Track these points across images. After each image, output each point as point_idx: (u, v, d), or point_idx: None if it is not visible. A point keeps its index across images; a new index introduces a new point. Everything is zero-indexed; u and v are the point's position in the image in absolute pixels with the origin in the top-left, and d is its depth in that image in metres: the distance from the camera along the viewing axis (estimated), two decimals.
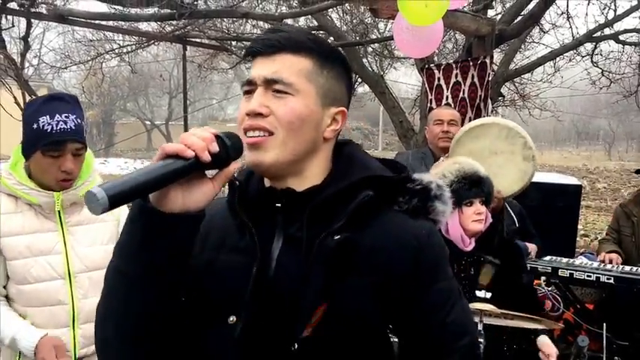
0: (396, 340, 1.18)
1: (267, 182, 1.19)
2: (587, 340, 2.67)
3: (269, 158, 1.10)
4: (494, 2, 6.86)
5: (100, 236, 2.25)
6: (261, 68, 1.12)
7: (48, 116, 2.03)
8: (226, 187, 1.18)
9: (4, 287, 2.19)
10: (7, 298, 2.21)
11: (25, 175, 2.14)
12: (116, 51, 8.37)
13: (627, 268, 3.98)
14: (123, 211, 2.37)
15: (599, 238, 5.00)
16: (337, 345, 1.10)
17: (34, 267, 2.12)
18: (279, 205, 1.15)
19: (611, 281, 3.88)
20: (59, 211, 2.16)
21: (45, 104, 2.09)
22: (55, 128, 2.02)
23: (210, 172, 1.06)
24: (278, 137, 1.10)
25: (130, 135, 22.18)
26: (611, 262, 4.16)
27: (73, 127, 2.05)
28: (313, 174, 1.17)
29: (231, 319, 1.11)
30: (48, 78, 18.50)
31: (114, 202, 0.90)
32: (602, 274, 3.89)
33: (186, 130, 8.09)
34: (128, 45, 8.36)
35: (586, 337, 2.72)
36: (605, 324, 3.73)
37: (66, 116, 2.04)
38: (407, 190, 1.18)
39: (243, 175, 1.20)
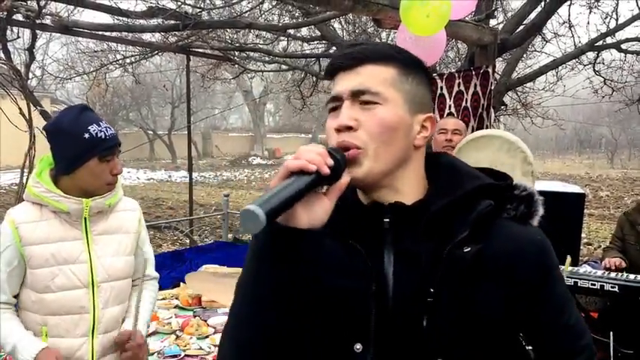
0: (530, 348, 1.15)
1: (365, 198, 1.16)
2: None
3: (362, 171, 1.08)
4: (496, 12, 6.89)
5: (122, 247, 2.29)
6: (346, 82, 1.11)
7: (95, 125, 2.12)
8: None
9: (16, 296, 2.20)
10: (18, 306, 2.22)
11: (51, 183, 2.17)
12: (120, 61, 8.43)
13: (632, 276, 3.98)
14: (143, 227, 2.42)
15: (603, 247, 4.99)
16: (477, 358, 1.08)
17: (58, 276, 2.13)
18: (387, 220, 1.12)
19: (616, 289, 3.88)
20: (85, 219, 2.19)
21: (82, 115, 2.15)
22: (107, 134, 2.13)
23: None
24: (369, 150, 1.08)
25: (133, 144, 22.27)
26: (615, 265, 4.16)
27: (115, 134, 2.19)
28: (410, 185, 1.14)
29: (357, 347, 1.07)
30: (51, 89, 18.61)
31: (270, 218, 0.91)
32: (606, 283, 3.90)
33: (189, 139, 8.12)
34: (132, 55, 8.43)
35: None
36: (612, 333, 3.72)
37: (106, 125, 2.18)
38: (514, 197, 1.16)
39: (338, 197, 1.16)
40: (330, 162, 1.01)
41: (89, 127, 2.10)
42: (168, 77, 24.69)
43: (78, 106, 2.24)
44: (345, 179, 1.04)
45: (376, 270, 1.09)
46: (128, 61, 8.60)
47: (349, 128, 1.08)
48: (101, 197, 2.20)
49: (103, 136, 2.12)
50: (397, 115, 1.10)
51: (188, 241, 8.71)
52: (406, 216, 1.11)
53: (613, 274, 4.06)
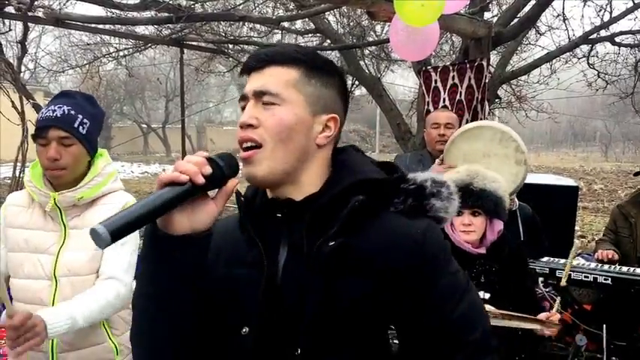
0: (396, 342, 1.19)
1: (269, 193, 1.22)
2: (585, 339, 2.68)
3: (261, 170, 1.14)
4: (490, 5, 6.88)
5: (89, 243, 2.19)
6: (252, 82, 1.17)
7: (45, 108, 2.10)
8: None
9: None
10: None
11: (38, 174, 2.18)
12: (113, 54, 8.38)
13: (625, 268, 3.99)
14: None
15: (597, 239, 5.01)
16: (338, 348, 1.13)
17: (25, 262, 2.12)
18: (279, 215, 1.19)
19: (609, 282, 3.89)
20: (61, 213, 2.16)
21: (51, 100, 2.15)
22: (41, 117, 2.06)
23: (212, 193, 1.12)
24: (267, 148, 1.14)
25: (126, 138, 22.16)
26: (607, 257, 4.17)
27: (59, 116, 2.05)
28: (310, 182, 1.19)
29: (244, 330, 1.16)
30: (44, 82, 18.52)
31: (115, 236, 0.96)
32: (599, 275, 3.91)
33: (183, 132, 8.10)
34: (125, 48, 8.38)
35: (584, 336, 2.74)
36: (605, 325, 3.74)
37: (58, 107, 2.06)
38: (401, 191, 1.19)
39: (251, 190, 1.25)
40: (207, 171, 1.05)
41: (42, 110, 2.10)
42: (162, 70, 24.61)
43: (61, 91, 2.23)
44: (231, 183, 1.11)
45: (270, 261, 1.16)
46: (121, 54, 8.54)
47: (250, 126, 1.14)
48: (70, 191, 2.13)
49: (39, 118, 2.07)
50: (296, 116, 1.15)
51: None
52: (296, 211, 1.17)
53: (606, 267, 4.07)
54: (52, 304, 2.11)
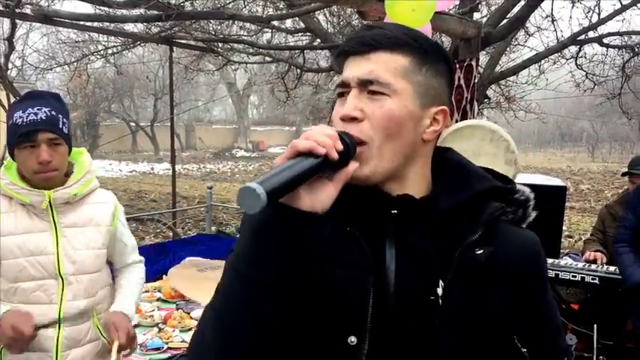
0: (525, 350, 1.12)
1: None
2: (575, 338, 2.71)
3: (366, 171, 1.03)
4: (480, 5, 6.91)
5: (92, 241, 2.25)
6: (355, 69, 1.05)
7: (21, 111, 2.05)
8: None
9: None
10: None
11: (17, 175, 2.15)
12: (101, 52, 8.33)
13: (612, 268, 4.03)
14: (119, 220, 2.38)
15: (584, 239, 5.04)
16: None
17: (26, 267, 2.11)
18: (395, 212, 1.07)
19: (596, 281, 3.93)
20: (52, 211, 2.16)
21: (21, 101, 2.12)
22: (25, 120, 2.03)
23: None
24: (373, 146, 1.03)
25: (114, 136, 22.04)
26: (595, 260, 4.21)
27: (44, 118, 2.04)
28: (414, 180, 1.10)
29: (352, 339, 1.01)
30: (31, 79, 18.39)
31: (271, 197, 0.86)
32: (587, 275, 3.95)
33: (172, 131, 8.06)
34: (114, 46, 8.33)
35: (574, 335, 2.76)
36: (595, 325, 3.77)
37: (38, 108, 2.05)
38: (514, 201, 1.15)
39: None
40: (340, 147, 0.95)
41: (14, 114, 2.06)
42: (151, 68, 24.48)
43: (27, 92, 2.22)
44: (352, 166, 0.99)
45: (377, 262, 1.04)
46: (110, 51, 8.49)
47: (354, 119, 1.03)
48: (65, 187, 2.16)
49: (20, 123, 2.03)
50: (406, 109, 1.04)
51: (171, 233, 8.66)
52: (414, 210, 1.07)
53: (594, 266, 4.11)
54: (61, 303, 2.16)
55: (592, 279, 3.93)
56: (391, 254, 1.05)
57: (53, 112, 2.08)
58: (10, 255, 2.11)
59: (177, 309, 3.98)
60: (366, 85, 1.04)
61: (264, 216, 0.93)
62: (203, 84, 31.05)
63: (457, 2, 4.43)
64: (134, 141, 32.14)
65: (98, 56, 8.39)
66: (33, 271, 2.12)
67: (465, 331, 1.02)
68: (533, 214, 1.18)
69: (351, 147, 0.99)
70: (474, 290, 1.03)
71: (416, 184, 1.09)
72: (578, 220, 12.65)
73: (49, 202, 2.13)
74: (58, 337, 2.17)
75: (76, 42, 8.37)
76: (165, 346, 3.37)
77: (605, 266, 4.13)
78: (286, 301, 0.96)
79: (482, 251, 1.03)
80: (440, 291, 1.02)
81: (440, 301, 1.02)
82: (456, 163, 1.15)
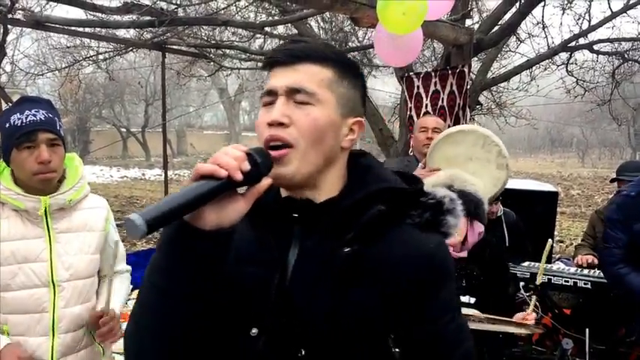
0: (397, 350, 1.19)
1: (283, 192, 1.20)
2: (571, 342, 2.72)
3: (290, 171, 1.11)
4: (472, 12, 6.95)
5: (86, 245, 2.24)
6: (283, 78, 1.12)
7: (18, 113, 2.05)
8: None
9: None
10: None
11: (11, 181, 2.13)
12: (93, 58, 8.30)
13: None
14: (111, 225, 2.38)
15: (576, 244, 5.08)
16: (342, 353, 1.12)
17: (18, 274, 2.09)
18: (296, 215, 1.16)
19: (588, 286, 3.95)
20: (46, 217, 2.15)
21: (16, 105, 2.11)
22: (24, 121, 2.03)
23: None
24: (299, 149, 1.10)
25: (105, 142, 21.93)
26: (587, 263, 4.23)
27: (43, 119, 2.05)
28: (330, 184, 1.18)
29: (253, 331, 1.13)
30: (21, 85, 18.29)
31: (152, 226, 0.93)
32: (579, 279, 3.96)
33: (164, 137, 8.05)
34: (106, 52, 8.31)
35: (570, 340, 2.77)
36: (587, 329, 3.79)
37: (36, 110, 2.05)
38: (420, 204, 1.19)
39: None
40: (246, 167, 1.02)
41: (11, 117, 2.05)
42: (142, 74, 24.42)
43: (20, 97, 2.21)
44: (264, 182, 1.06)
45: (281, 261, 1.14)
46: (102, 57, 8.47)
47: (281, 124, 1.10)
48: (61, 194, 2.15)
49: (19, 124, 2.03)
50: (329, 117, 1.13)
51: None
52: (314, 213, 1.15)
53: (585, 271, 4.13)
54: (54, 311, 2.14)
55: (584, 284, 3.95)
56: (294, 254, 1.15)
57: (50, 115, 2.09)
58: (3, 262, 2.09)
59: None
60: (293, 93, 1.11)
61: (171, 232, 1.03)
62: (194, 89, 30.99)
63: (449, 9, 4.46)
64: (125, 147, 32.01)
65: (90, 62, 8.35)
66: (25, 278, 2.10)
67: (326, 321, 1.10)
68: (452, 219, 1.19)
69: (261, 165, 1.05)
70: (340, 285, 1.10)
71: (330, 188, 1.18)
72: (569, 225, 12.71)
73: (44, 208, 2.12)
74: (52, 345, 2.15)
75: (68, 47, 8.33)
76: None
77: (597, 271, 4.15)
78: (193, 308, 1.06)
79: (348, 249, 1.10)
80: (314, 286, 1.12)
81: (316, 296, 1.11)
82: (362, 167, 1.22)
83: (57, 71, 9.28)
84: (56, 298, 2.15)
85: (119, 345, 3.37)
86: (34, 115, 2.04)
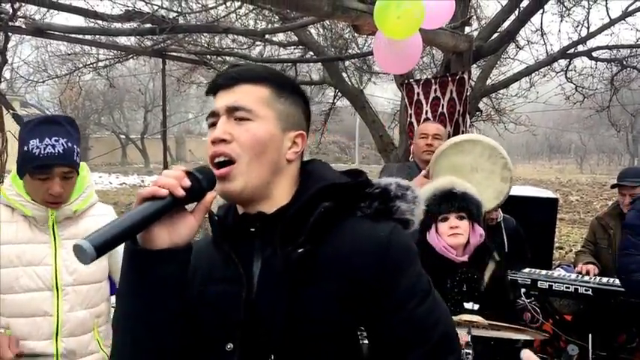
0: (366, 342, 1.21)
1: (240, 209, 1.24)
2: (577, 348, 2.72)
3: (236, 186, 1.16)
4: (471, 19, 6.99)
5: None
6: (223, 99, 1.20)
7: (38, 139, 2.05)
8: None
9: None
10: None
11: (23, 187, 2.17)
12: (94, 65, 8.32)
13: (604, 279, 4.05)
14: None
15: (576, 250, 5.08)
16: (309, 352, 1.14)
17: (22, 277, 2.13)
18: (252, 229, 1.20)
19: (590, 293, 3.95)
20: (53, 225, 2.19)
21: (38, 126, 2.10)
22: (42, 152, 2.03)
23: (190, 207, 1.13)
24: (242, 164, 1.16)
25: (104, 148, 21.93)
26: (588, 273, 4.23)
27: (61, 151, 2.06)
28: (280, 195, 1.22)
29: (228, 346, 1.16)
30: (21, 92, 18.29)
31: (100, 250, 0.97)
32: (580, 286, 3.97)
33: (164, 144, 8.06)
34: (106, 59, 8.33)
35: (575, 346, 2.77)
36: (591, 335, 3.79)
37: (55, 140, 2.05)
38: (367, 195, 1.22)
39: (223, 209, 1.28)
40: (187, 183, 1.07)
41: (30, 141, 2.06)
42: (142, 81, 24.47)
43: (43, 116, 2.22)
44: (209, 196, 1.12)
45: (246, 276, 1.18)
46: (102, 64, 8.49)
47: (223, 141, 1.16)
48: (67, 204, 2.19)
49: (37, 154, 2.04)
50: (268, 132, 1.18)
51: None
52: (268, 224, 1.19)
53: (586, 278, 4.13)
54: (57, 314, 2.17)
55: (585, 290, 3.95)
56: (257, 266, 1.19)
57: (69, 144, 2.09)
58: (8, 264, 2.13)
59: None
60: (232, 111, 1.18)
61: (125, 258, 1.11)
62: (193, 96, 31.01)
63: (449, 18, 4.47)
64: (124, 153, 32.05)
65: (90, 69, 8.36)
66: (29, 281, 2.13)
67: (288, 324, 1.13)
68: (404, 204, 1.21)
69: (202, 180, 1.10)
70: (296, 286, 1.13)
71: (281, 199, 1.22)
72: (568, 231, 12.73)
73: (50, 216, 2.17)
74: (56, 349, 2.17)
75: (69, 54, 8.34)
76: None
77: (598, 278, 4.15)
78: (162, 321, 1.11)
79: (301, 250, 1.13)
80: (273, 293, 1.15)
81: (281, 303, 1.14)
82: (306, 173, 1.27)
83: (57, 78, 9.29)
84: (60, 301, 2.17)
85: None
86: (53, 147, 2.05)
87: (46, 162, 2.04)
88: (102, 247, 0.97)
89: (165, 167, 8.20)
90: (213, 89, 1.24)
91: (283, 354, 1.14)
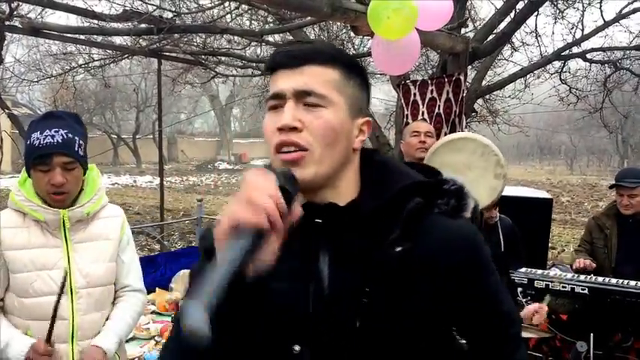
0: (464, 341, 1.16)
1: (302, 198, 1.11)
2: (585, 345, 2.74)
3: (308, 175, 1.06)
4: (467, 21, 7.03)
5: (103, 254, 2.28)
6: (290, 81, 1.08)
7: (39, 132, 2.07)
8: None
9: (1, 299, 2.20)
10: (3, 309, 2.21)
11: (32, 191, 2.18)
12: (89, 64, 8.29)
13: (600, 279, 4.09)
14: (125, 233, 2.39)
15: (573, 249, 5.13)
16: (409, 355, 1.08)
17: (36, 281, 2.13)
18: (319, 220, 1.10)
19: (586, 292, 3.99)
20: (64, 229, 2.19)
21: (40, 121, 2.13)
22: (41, 143, 2.05)
23: None
24: (314, 153, 1.06)
25: (96, 148, 21.78)
26: (585, 267, 4.28)
27: (60, 141, 2.06)
28: (346, 186, 1.14)
29: (296, 348, 1.07)
30: (12, 91, 18.19)
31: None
32: (576, 285, 4.00)
33: (160, 143, 8.03)
34: (101, 59, 8.30)
35: (585, 343, 2.80)
36: (592, 334, 3.82)
37: (55, 131, 2.07)
38: (444, 192, 1.16)
39: None
40: (283, 208, 0.93)
41: (32, 134, 2.08)
42: (133, 81, 24.37)
43: (47, 112, 2.24)
44: (296, 213, 0.99)
45: (312, 271, 1.09)
46: (97, 64, 8.46)
47: (294, 129, 1.06)
48: (79, 207, 2.20)
49: (37, 144, 2.05)
50: (340, 120, 1.09)
51: (158, 246, 8.61)
52: (339, 216, 1.11)
53: (582, 277, 4.17)
54: (72, 318, 2.18)
55: (582, 289, 3.99)
56: (324, 261, 1.09)
57: (70, 135, 2.10)
58: (22, 269, 2.13)
59: (173, 322, 3.98)
60: (302, 96, 1.07)
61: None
62: (185, 96, 30.97)
63: (447, 20, 4.50)
64: (116, 153, 31.90)
65: (86, 68, 8.33)
66: (43, 285, 2.14)
67: (392, 329, 1.05)
68: (471, 202, 1.18)
69: (292, 192, 0.98)
70: (398, 288, 1.06)
71: (347, 190, 1.14)
72: (559, 232, 12.83)
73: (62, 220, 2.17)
74: (72, 352, 2.18)
75: (64, 54, 8.31)
76: None
77: (594, 277, 4.19)
78: (227, 335, 1.00)
79: (400, 248, 1.06)
80: (367, 291, 1.06)
81: (366, 302, 1.06)
82: (379, 165, 1.18)
83: (52, 78, 9.25)
84: (74, 305, 2.18)
85: (136, 351, 3.39)
86: (52, 137, 2.05)
87: (44, 151, 2.05)
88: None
89: (162, 168, 8.18)
90: (274, 67, 1.12)
91: (360, 355, 1.06)
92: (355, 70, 1.14)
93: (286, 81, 1.09)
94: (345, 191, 1.14)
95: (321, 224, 1.11)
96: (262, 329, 1.08)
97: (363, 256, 1.07)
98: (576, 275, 4.23)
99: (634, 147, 39.34)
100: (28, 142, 2.08)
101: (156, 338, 3.68)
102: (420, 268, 1.07)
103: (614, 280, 3.98)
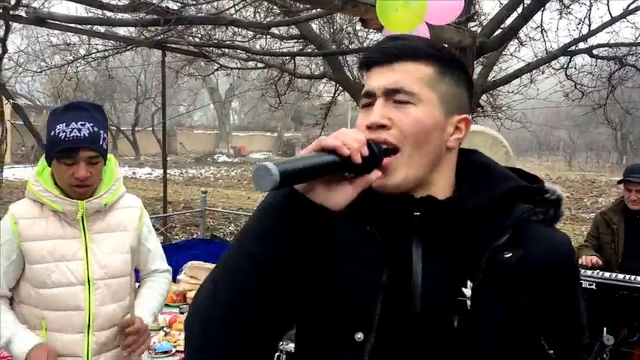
0: (552, 351, 1.12)
1: None
2: (612, 338, 2.74)
3: (396, 179, 1.06)
4: (475, 15, 7.02)
5: (120, 245, 2.27)
6: (381, 79, 1.07)
7: (64, 124, 2.06)
8: None
9: (12, 290, 2.21)
10: (19, 301, 2.22)
11: (51, 182, 2.17)
12: (92, 55, 8.26)
13: (607, 274, 4.10)
14: (144, 224, 2.39)
15: (580, 244, 5.13)
16: None
17: (54, 272, 2.13)
18: (417, 213, 1.08)
19: (593, 287, 4.00)
20: (83, 219, 2.18)
21: (64, 112, 2.12)
22: (68, 136, 2.04)
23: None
24: (404, 153, 1.05)
25: None
26: (591, 263, 4.29)
27: (87, 135, 2.06)
28: (442, 184, 1.11)
29: (358, 335, 1.05)
30: (11, 82, 18.14)
31: (284, 180, 0.88)
32: (584, 280, 4.01)
33: (164, 136, 8.03)
34: (105, 50, 8.27)
35: (611, 336, 2.80)
36: (605, 328, 3.83)
37: (82, 124, 2.06)
38: (545, 201, 1.14)
39: None
40: (365, 152, 0.96)
41: (57, 126, 2.07)
42: (133, 72, 24.32)
43: (70, 103, 2.23)
44: (375, 174, 1.00)
45: (393, 260, 1.06)
46: (100, 55, 8.43)
47: (382, 126, 1.05)
48: (97, 197, 2.19)
49: (64, 137, 2.04)
50: (432, 117, 1.06)
51: (161, 238, 8.60)
52: (438, 211, 1.08)
53: (589, 272, 4.18)
54: (89, 308, 2.17)
55: (589, 285, 4.00)
56: (418, 255, 1.07)
57: (95, 129, 2.10)
58: (40, 260, 2.13)
59: (181, 313, 3.98)
60: (392, 94, 1.06)
61: (275, 198, 0.98)
62: (185, 89, 30.91)
63: (458, 14, 4.48)
64: (115, 145, 31.85)
65: (90, 59, 8.30)
66: (61, 276, 2.14)
67: (492, 333, 1.02)
68: (563, 212, 1.17)
69: (377, 156, 1.00)
70: (503, 293, 1.03)
71: (441, 189, 1.11)
72: (560, 227, 12.77)
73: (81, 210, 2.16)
74: (88, 342, 2.18)
75: (68, 44, 8.27)
76: (174, 350, 3.37)
77: (601, 272, 4.20)
78: (273, 279, 0.98)
79: (510, 254, 1.03)
80: (468, 292, 1.04)
81: (468, 302, 1.03)
82: (480, 165, 1.16)
83: (53, 69, 9.23)
84: (91, 295, 2.18)
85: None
86: (79, 131, 2.05)
87: (71, 145, 2.04)
88: (287, 176, 0.88)
89: (165, 160, 8.17)
90: (368, 65, 1.11)
91: (445, 354, 1.04)
92: (452, 65, 1.11)
93: (377, 78, 1.08)
94: (440, 190, 1.11)
95: (418, 217, 1.09)
96: (331, 307, 1.07)
97: (461, 255, 1.06)
98: (584, 270, 4.24)
99: (633, 143, 39.43)
100: (53, 134, 2.06)
101: (165, 329, 3.68)
102: (524, 275, 1.05)
103: (620, 276, 4.00)
